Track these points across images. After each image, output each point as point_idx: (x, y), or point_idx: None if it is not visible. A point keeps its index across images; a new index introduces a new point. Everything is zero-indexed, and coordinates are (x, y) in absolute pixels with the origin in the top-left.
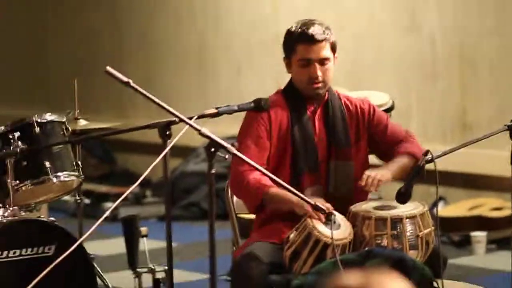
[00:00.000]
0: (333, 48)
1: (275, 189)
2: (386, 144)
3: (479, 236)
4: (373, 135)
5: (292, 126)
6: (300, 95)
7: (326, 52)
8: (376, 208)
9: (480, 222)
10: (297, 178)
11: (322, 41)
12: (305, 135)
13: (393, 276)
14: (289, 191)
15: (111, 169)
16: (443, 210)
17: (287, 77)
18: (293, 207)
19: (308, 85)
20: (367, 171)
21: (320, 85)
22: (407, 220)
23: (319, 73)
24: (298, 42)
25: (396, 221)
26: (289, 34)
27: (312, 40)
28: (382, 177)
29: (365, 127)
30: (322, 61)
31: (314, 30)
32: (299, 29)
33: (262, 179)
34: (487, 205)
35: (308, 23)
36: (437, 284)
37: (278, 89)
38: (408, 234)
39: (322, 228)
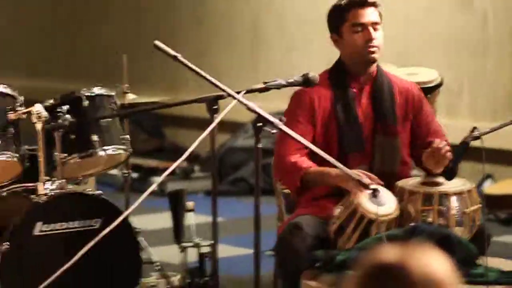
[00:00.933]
0: (381, 18)
1: (313, 168)
2: (424, 142)
3: None
4: (418, 125)
5: (336, 107)
6: (346, 73)
7: (377, 16)
8: (423, 183)
9: None
10: (343, 158)
11: (372, 4)
12: (349, 113)
13: (433, 253)
14: (335, 166)
15: (161, 144)
16: (490, 188)
17: (338, 55)
18: (336, 181)
19: (364, 49)
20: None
21: (375, 49)
22: (454, 196)
23: (374, 35)
24: (349, 9)
25: (443, 197)
26: (336, 6)
27: (363, 3)
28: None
29: (413, 110)
30: (374, 26)
31: None
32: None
33: (300, 161)
34: None
35: None
36: (482, 261)
37: (324, 70)
38: (454, 210)
39: (367, 204)
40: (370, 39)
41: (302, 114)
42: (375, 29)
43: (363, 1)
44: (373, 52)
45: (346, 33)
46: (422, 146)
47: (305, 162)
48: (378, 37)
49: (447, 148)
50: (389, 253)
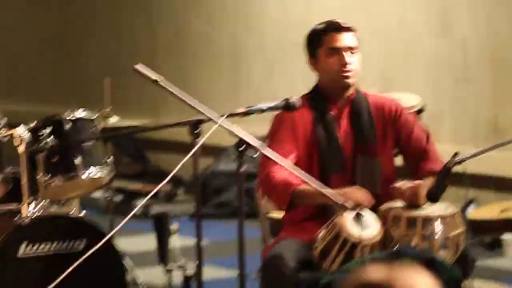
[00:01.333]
0: (358, 43)
1: (303, 186)
2: (409, 151)
3: (510, 238)
4: (399, 138)
5: (316, 127)
6: (324, 96)
7: (353, 40)
8: (407, 207)
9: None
10: (325, 180)
11: (349, 29)
12: (329, 136)
13: (418, 271)
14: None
15: (144, 168)
16: (474, 213)
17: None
18: (325, 200)
19: (339, 73)
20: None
21: (351, 73)
22: (438, 220)
23: (350, 60)
24: (325, 33)
25: (427, 221)
26: (313, 31)
27: (339, 28)
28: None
29: (391, 125)
30: (351, 50)
31: (340, 20)
32: (324, 23)
33: (289, 178)
34: None
35: (330, 19)
36: (465, 285)
37: (302, 94)
38: (438, 234)
39: (351, 228)
40: (345, 64)
41: (285, 134)
42: (351, 54)
43: (339, 26)
44: (347, 77)
45: (322, 57)
46: (409, 156)
47: (294, 179)
48: (353, 61)
49: (407, 187)
50: (375, 272)
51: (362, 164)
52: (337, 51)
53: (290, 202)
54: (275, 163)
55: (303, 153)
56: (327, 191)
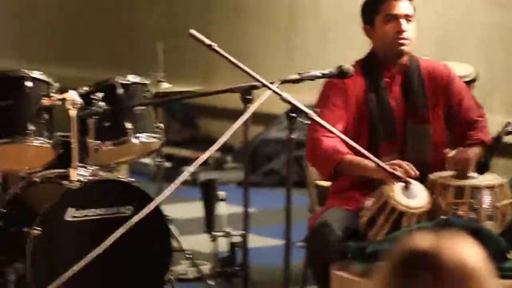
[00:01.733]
0: (413, 10)
1: (350, 156)
2: (459, 120)
3: None
4: (449, 105)
5: (368, 94)
6: (378, 63)
7: (410, 9)
8: (455, 177)
9: None
10: (375, 147)
11: None
12: (381, 102)
13: (465, 241)
14: (367, 157)
15: (194, 134)
16: None
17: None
18: (371, 173)
19: (395, 40)
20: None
21: (406, 41)
22: (486, 190)
23: (406, 27)
24: (383, 0)
25: (475, 190)
26: None
27: None
28: (472, 156)
29: (443, 92)
30: (407, 18)
31: None
32: None
33: (338, 146)
34: None
35: None
36: None
37: (356, 60)
38: (486, 204)
39: (398, 197)
40: (401, 31)
41: (337, 99)
42: (408, 22)
43: None
44: (403, 44)
45: (378, 24)
46: (458, 124)
47: (342, 147)
48: (409, 29)
49: (465, 155)
50: (422, 240)
51: (412, 131)
52: (394, 18)
53: (335, 170)
54: (324, 129)
55: (353, 120)
56: (375, 160)
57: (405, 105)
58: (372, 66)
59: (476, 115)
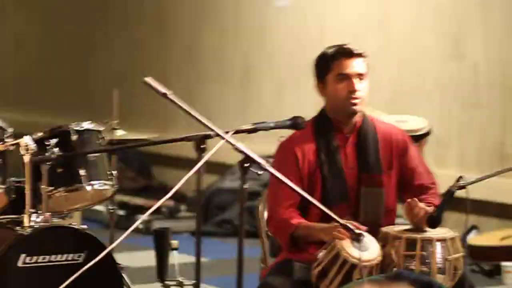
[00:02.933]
0: (367, 68)
1: (302, 225)
2: (411, 185)
3: (510, 266)
4: (403, 171)
5: (320, 157)
6: (330, 123)
7: (363, 67)
8: (407, 230)
9: None
10: (328, 210)
11: (359, 55)
12: (333, 165)
13: None
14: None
15: (148, 183)
16: (475, 239)
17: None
18: (322, 237)
19: (347, 100)
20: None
21: (358, 100)
22: (437, 242)
23: (357, 87)
24: (335, 58)
25: (426, 243)
26: (323, 54)
27: (350, 54)
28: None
29: (397, 157)
30: (360, 77)
31: (351, 46)
32: (335, 48)
33: (290, 218)
34: None
35: (342, 44)
36: None
37: (308, 120)
38: (437, 257)
39: (350, 249)
40: (353, 91)
41: (289, 165)
42: (360, 80)
43: (350, 52)
44: (355, 104)
45: (330, 82)
46: (410, 190)
47: (295, 219)
48: (362, 88)
49: (420, 206)
50: None
51: (366, 195)
52: (347, 77)
53: (293, 239)
54: (283, 197)
55: (306, 182)
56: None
57: (358, 167)
58: (324, 126)
59: (428, 181)
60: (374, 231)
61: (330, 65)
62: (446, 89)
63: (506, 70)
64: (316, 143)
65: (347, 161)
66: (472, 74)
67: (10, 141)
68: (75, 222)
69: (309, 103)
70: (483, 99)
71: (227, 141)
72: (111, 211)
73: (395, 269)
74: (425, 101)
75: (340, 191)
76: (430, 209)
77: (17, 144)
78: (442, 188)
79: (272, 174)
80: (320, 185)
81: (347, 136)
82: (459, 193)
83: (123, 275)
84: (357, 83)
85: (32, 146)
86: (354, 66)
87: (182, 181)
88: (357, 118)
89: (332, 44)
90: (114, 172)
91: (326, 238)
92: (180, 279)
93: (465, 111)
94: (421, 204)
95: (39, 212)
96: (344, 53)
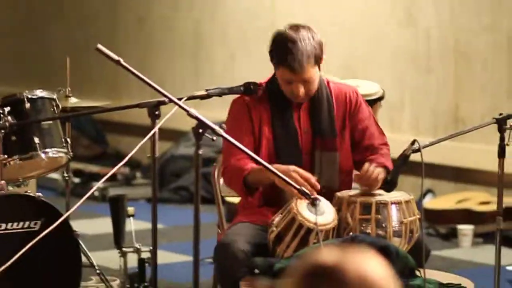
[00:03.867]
0: (318, 61)
1: (255, 169)
2: (360, 145)
3: (466, 229)
4: (353, 131)
5: (273, 121)
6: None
7: (308, 73)
8: (362, 195)
9: (467, 216)
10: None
11: (303, 69)
12: (287, 129)
13: (371, 257)
14: (277, 175)
15: (103, 150)
16: (430, 202)
17: None
18: (278, 179)
19: (291, 97)
20: (367, 163)
21: (303, 99)
22: (392, 205)
23: (302, 90)
24: (280, 64)
25: (381, 206)
26: (274, 44)
27: (292, 70)
28: (380, 174)
29: (350, 116)
30: (305, 80)
31: (295, 60)
32: (282, 51)
33: (243, 163)
34: (475, 199)
35: (291, 46)
36: (420, 273)
37: (262, 82)
38: (392, 219)
39: (306, 213)
40: (298, 95)
41: (243, 125)
42: (306, 82)
43: (292, 68)
44: (298, 100)
45: (278, 74)
46: (360, 149)
47: (248, 164)
48: (307, 87)
49: (375, 172)
50: (327, 255)
51: (320, 159)
52: (290, 82)
53: (246, 185)
54: (236, 149)
55: (260, 145)
56: (284, 177)
57: (312, 131)
58: (277, 89)
59: (378, 142)
60: (329, 195)
61: (277, 64)
62: (399, 55)
63: (457, 35)
64: (270, 105)
65: (301, 125)
66: (424, 39)
67: None
68: (30, 190)
69: (260, 70)
70: (436, 64)
71: (180, 107)
72: (66, 178)
73: (351, 233)
74: (378, 66)
75: (294, 154)
76: (381, 170)
77: None
78: (397, 152)
79: (226, 131)
80: (273, 148)
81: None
82: (414, 157)
83: (80, 242)
84: (302, 86)
85: None
86: (298, 76)
87: (137, 148)
88: None
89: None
90: (69, 140)
91: (280, 184)
92: (137, 245)
93: (418, 76)
94: (372, 167)
95: None
96: (288, 67)
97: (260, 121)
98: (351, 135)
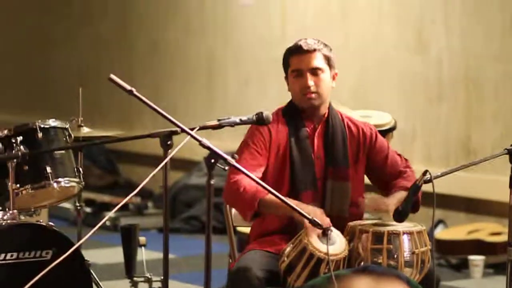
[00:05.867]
0: (328, 61)
1: (272, 196)
2: (385, 174)
3: (477, 260)
4: (373, 162)
5: (290, 143)
6: (299, 113)
7: (317, 62)
8: (374, 225)
9: (479, 246)
10: (296, 196)
11: (311, 51)
12: (303, 153)
13: (401, 285)
14: (287, 204)
15: (115, 180)
16: (442, 233)
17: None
18: (291, 213)
19: (302, 95)
20: (371, 193)
21: (313, 95)
22: (404, 235)
23: (311, 82)
24: (291, 55)
25: (393, 236)
26: (285, 51)
27: (301, 51)
28: (386, 202)
29: (365, 151)
30: (314, 71)
31: (304, 42)
32: (293, 44)
33: (258, 187)
34: (486, 229)
35: (302, 39)
36: None
37: (278, 107)
38: (404, 249)
39: (317, 243)
40: (306, 87)
41: (259, 145)
42: (316, 74)
43: (300, 48)
44: (310, 99)
45: (289, 77)
46: (384, 177)
47: (262, 189)
48: (317, 82)
49: (380, 202)
50: (361, 282)
51: (332, 188)
52: (300, 73)
53: (256, 210)
54: (246, 168)
55: (275, 167)
56: (295, 205)
57: (325, 160)
58: (293, 114)
59: (401, 166)
60: (339, 224)
61: (288, 61)
62: (410, 83)
63: (469, 63)
64: (288, 128)
65: (315, 152)
66: (435, 68)
67: None
68: (42, 219)
69: (273, 98)
70: (447, 93)
71: (192, 137)
72: (78, 208)
73: (362, 263)
74: (389, 95)
75: (308, 178)
76: (393, 202)
77: None
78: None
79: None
80: (289, 170)
81: (315, 125)
82: (425, 188)
83: (91, 271)
84: (310, 79)
85: None
86: (306, 61)
87: (149, 177)
88: (324, 109)
89: (294, 38)
90: (81, 169)
91: (298, 219)
92: (148, 275)
93: (430, 105)
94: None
95: (6, 209)
96: (295, 49)
97: (277, 144)
98: (369, 168)
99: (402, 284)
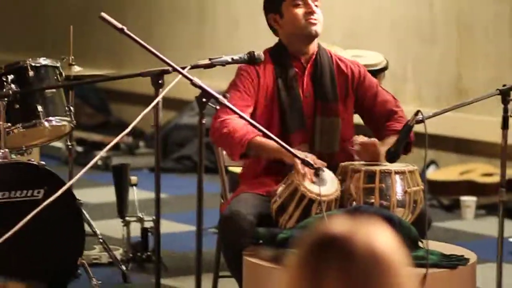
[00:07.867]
0: None
1: (262, 138)
2: (375, 113)
3: (469, 200)
4: (363, 99)
5: (278, 84)
6: (287, 52)
7: None
8: (367, 164)
9: (470, 187)
10: (285, 137)
11: None
12: (291, 93)
13: (380, 227)
14: (279, 144)
15: (106, 119)
16: (434, 174)
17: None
18: (282, 156)
19: (306, 21)
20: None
21: (316, 21)
22: (396, 175)
23: (315, 9)
24: None
25: (385, 175)
26: None
27: None
28: (377, 151)
29: (353, 87)
30: (315, 2)
31: None
32: None
33: (248, 127)
34: (478, 170)
35: None
36: (423, 244)
37: (265, 49)
38: (396, 189)
39: (308, 184)
40: (311, 12)
41: (247, 85)
42: (315, 5)
43: None
44: (314, 24)
45: (287, 10)
46: (374, 116)
47: (253, 129)
48: (319, 12)
49: (371, 143)
50: (335, 226)
51: (321, 124)
52: (303, 2)
53: (244, 152)
54: (233, 112)
55: (264, 107)
56: (286, 146)
57: (314, 96)
58: (281, 55)
59: (392, 106)
60: (330, 161)
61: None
62: (402, 25)
63: (461, 4)
64: (274, 69)
65: (304, 90)
66: (427, 9)
67: None
68: (33, 158)
69: (264, 39)
70: (439, 34)
71: (184, 76)
72: (70, 147)
73: (354, 203)
74: (381, 37)
75: (297, 118)
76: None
77: None
78: None
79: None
80: (278, 112)
81: (304, 65)
82: (417, 128)
83: (83, 211)
84: (314, 6)
85: None
86: None
87: (140, 117)
88: (313, 48)
89: None
90: (72, 108)
91: (288, 160)
92: (140, 215)
93: (422, 47)
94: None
95: None
96: None
97: (265, 85)
98: (359, 105)
99: (385, 229)
